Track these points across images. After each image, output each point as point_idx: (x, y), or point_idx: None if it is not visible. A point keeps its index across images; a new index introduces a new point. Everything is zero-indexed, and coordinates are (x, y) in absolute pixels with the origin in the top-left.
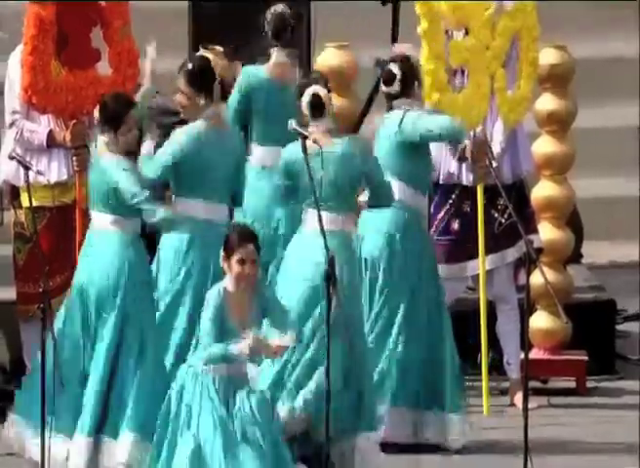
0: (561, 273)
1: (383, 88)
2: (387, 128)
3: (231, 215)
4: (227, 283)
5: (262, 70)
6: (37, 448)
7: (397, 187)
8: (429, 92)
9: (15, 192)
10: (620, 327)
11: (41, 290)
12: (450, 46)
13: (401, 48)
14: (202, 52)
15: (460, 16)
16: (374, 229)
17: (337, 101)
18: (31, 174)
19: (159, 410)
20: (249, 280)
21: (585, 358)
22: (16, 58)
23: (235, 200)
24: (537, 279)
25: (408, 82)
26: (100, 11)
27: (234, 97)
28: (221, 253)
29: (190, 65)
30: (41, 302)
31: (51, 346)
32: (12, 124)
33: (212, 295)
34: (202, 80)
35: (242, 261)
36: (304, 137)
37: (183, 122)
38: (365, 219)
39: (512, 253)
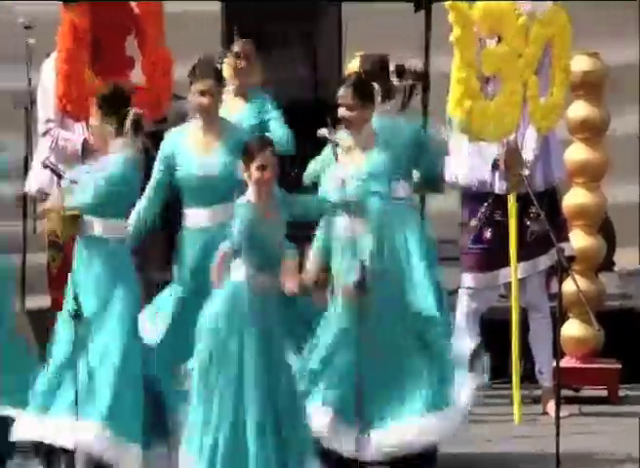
0: (593, 281)
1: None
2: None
3: None
4: (249, 195)
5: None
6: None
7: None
8: (461, 99)
9: None
10: None
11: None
12: (482, 53)
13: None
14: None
15: (492, 23)
16: None
17: None
18: (64, 182)
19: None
20: (268, 185)
21: (618, 366)
22: (49, 66)
23: None
24: (569, 287)
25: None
26: (134, 19)
27: None
28: (240, 162)
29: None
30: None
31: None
32: (46, 132)
33: (239, 208)
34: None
35: (262, 167)
36: (335, 145)
37: None
38: None
39: (544, 261)
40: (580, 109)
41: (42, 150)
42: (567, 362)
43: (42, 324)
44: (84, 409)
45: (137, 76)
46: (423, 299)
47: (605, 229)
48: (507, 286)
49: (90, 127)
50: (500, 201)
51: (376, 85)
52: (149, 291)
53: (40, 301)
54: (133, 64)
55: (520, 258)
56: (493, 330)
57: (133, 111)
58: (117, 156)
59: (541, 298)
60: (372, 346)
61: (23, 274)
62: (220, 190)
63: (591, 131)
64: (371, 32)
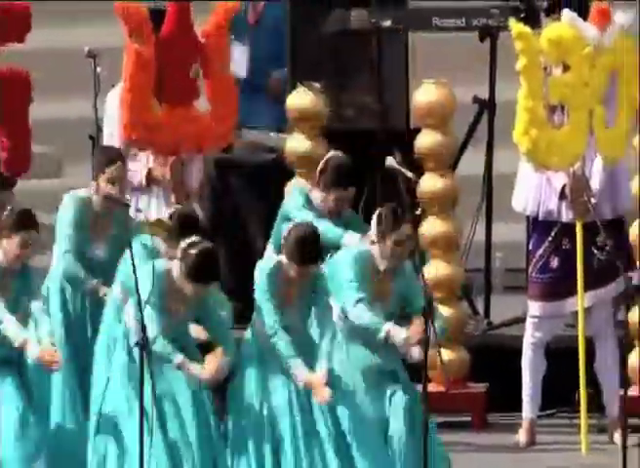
0: None
1: None
2: None
3: None
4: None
5: None
6: None
7: None
8: (528, 128)
9: None
10: None
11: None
12: (549, 82)
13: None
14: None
15: (559, 52)
16: None
17: (435, 138)
18: (130, 211)
19: None
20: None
21: None
22: (115, 96)
23: None
24: (636, 316)
25: None
26: (199, 48)
27: None
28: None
29: None
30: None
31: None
32: None
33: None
34: None
35: None
36: (408, 179)
37: (277, 161)
38: None
39: (612, 290)
40: None
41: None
42: (634, 391)
43: None
44: None
45: (202, 104)
46: None
47: None
48: (574, 314)
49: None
50: (567, 230)
51: None
52: None
53: None
54: (198, 93)
55: (587, 287)
56: (559, 358)
57: None
58: None
59: (608, 327)
60: None
61: None
62: None
63: None
64: (437, 60)
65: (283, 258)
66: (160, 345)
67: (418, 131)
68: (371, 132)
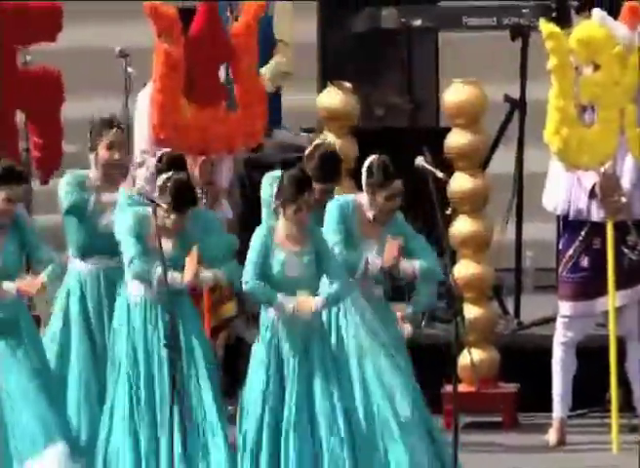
0: None
1: None
2: None
3: None
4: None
5: None
6: None
7: None
8: (558, 127)
9: None
10: None
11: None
12: (579, 81)
13: None
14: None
15: (589, 51)
16: None
17: (465, 137)
18: (160, 212)
19: None
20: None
21: None
22: (144, 97)
23: None
24: None
25: None
26: (228, 48)
27: None
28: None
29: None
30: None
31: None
32: (142, 163)
33: None
34: None
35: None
36: (438, 179)
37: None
38: None
39: None
40: None
41: (139, 180)
42: None
43: None
44: None
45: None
46: None
47: None
48: (605, 314)
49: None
50: (598, 229)
51: None
52: None
53: None
54: (227, 94)
55: (618, 287)
56: (590, 358)
57: None
58: None
59: None
60: None
61: None
62: None
63: None
64: (467, 59)
65: None
66: (137, 265)
67: (448, 130)
68: (401, 131)
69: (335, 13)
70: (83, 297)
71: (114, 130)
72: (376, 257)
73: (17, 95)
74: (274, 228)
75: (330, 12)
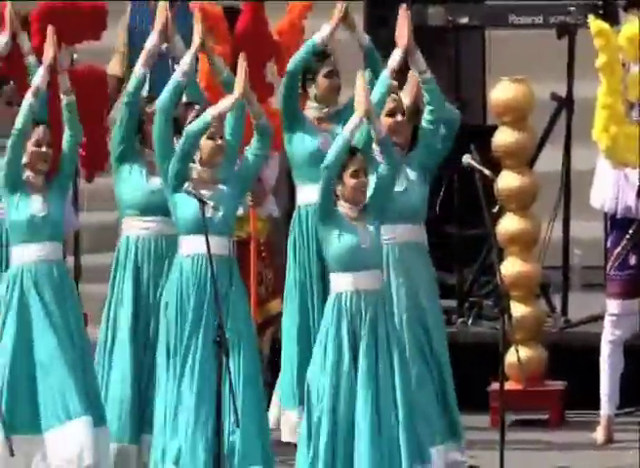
0: None
1: None
2: None
3: None
4: None
5: None
6: None
7: None
8: (607, 125)
9: None
10: None
11: (217, 322)
12: (627, 79)
13: None
14: None
15: (636, 49)
16: None
17: (512, 135)
18: (207, 208)
19: None
20: None
21: None
22: None
23: None
24: None
25: None
26: (274, 46)
27: None
28: None
29: None
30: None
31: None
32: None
33: None
34: None
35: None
36: (485, 177)
37: None
38: None
39: None
40: None
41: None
42: None
43: None
44: None
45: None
46: None
47: None
48: None
49: None
50: None
51: None
52: None
53: None
54: (272, 91)
55: None
56: (638, 356)
57: None
58: None
59: None
60: None
61: None
62: None
63: None
64: (514, 57)
65: None
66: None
67: (495, 128)
68: None
69: (381, 11)
70: (136, 263)
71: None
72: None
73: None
74: None
75: (377, 10)
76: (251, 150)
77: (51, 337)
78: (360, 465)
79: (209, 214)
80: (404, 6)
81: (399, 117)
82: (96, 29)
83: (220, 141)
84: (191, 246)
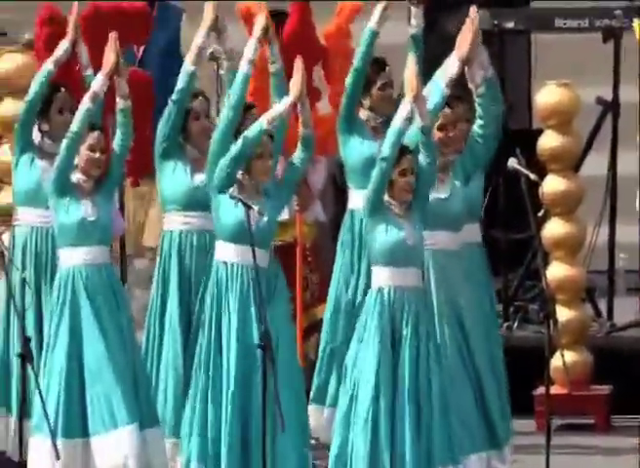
0: None
1: None
2: None
3: None
4: None
5: None
6: None
7: None
8: None
9: None
10: None
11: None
12: None
13: None
14: None
15: None
16: None
17: (558, 139)
18: (252, 213)
19: None
20: None
21: None
22: None
23: None
24: None
25: None
26: (322, 50)
27: None
28: None
29: None
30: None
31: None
32: None
33: None
34: None
35: None
36: (530, 181)
37: None
38: None
39: None
40: None
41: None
42: None
43: None
44: None
45: (324, 107)
46: None
47: None
48: None
49: None
50: None
51: None
52: None
53: None
54: (319, 96)
55: None
56: None
57: None
58: None
59: None
60: None
61: None
62: None
63: None
64: (560, 61)
65: None
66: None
67: (540, 132)
68: None
69: (427, 15)
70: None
71: (199, 98)
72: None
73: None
74: None
75: (423, 14)
76: (294, 160)
77: (99, 343)
78: (401, 461)
79: (253, 220)
80: (474, 9)
81: (450, 132)
82: (140, 33)
83: (269, 162)
84: (229, 253)
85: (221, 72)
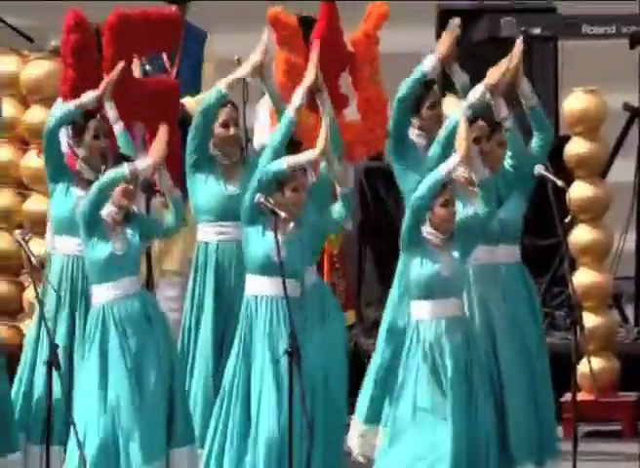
0: None
1: None
2: None
3: None
4: None
5: None
6: None
7: None
8: None
9: None
10: None
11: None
12: None
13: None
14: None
15: None
16: None
17: (585, 145)
18: (279, 222)
19: None
20: None
21: None
22: (264, 105)
23: None
24: None
25: None
26: (349, 57)
27: None
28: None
29: None
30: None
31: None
32: None
33: None
34: None
35: None
36: (557, 187)
37: None
38: None
39: None
40: None
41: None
42: None
43: None
44: None
45: (352, 114)
46: None
47: None
48: None
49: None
50: None
51: None
52: None
53: None
54: (347, 102)
55: None
56: None
57: None
58: None
59: None
60: None
61: None
62: None
63: None
64: (587, 67)
65: None
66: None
67: (567, 138)
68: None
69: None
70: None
71: (228, 107)
72: None
73: (134, 105)
74: None
75: (448, 21)
76: (334, 213)
77: (122, 382)
78: None
79: (285, 231)
80: (520, 42)
81: (485, 146)
82: (168, 40)
83: (302, 195)
84: (259, 286)
85: (248, 79)
